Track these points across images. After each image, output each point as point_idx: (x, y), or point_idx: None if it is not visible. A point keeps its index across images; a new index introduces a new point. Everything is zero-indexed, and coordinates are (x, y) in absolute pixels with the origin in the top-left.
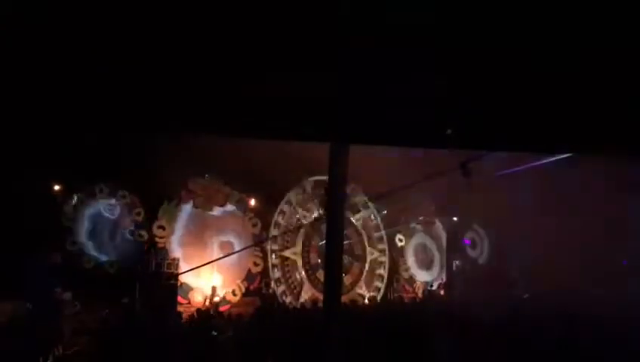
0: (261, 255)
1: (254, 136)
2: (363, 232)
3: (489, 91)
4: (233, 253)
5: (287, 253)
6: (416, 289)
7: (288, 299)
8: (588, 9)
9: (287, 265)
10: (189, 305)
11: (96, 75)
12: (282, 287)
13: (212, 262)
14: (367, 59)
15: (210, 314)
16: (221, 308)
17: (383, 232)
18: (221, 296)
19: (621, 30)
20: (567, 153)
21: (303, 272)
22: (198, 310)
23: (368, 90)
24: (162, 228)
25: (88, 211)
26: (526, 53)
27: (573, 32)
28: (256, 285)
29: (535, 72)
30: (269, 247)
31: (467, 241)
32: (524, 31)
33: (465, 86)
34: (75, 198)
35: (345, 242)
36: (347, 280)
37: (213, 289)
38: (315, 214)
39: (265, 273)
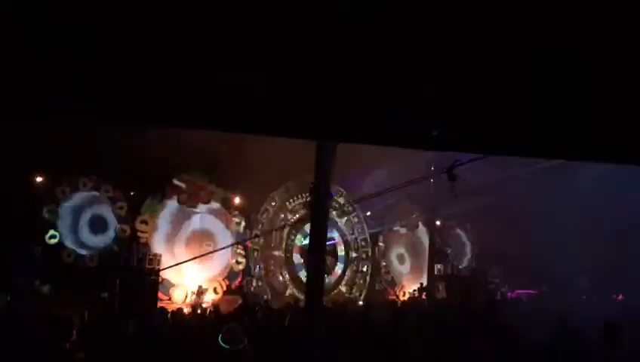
0: (244, 253)
1: (237, 131)
2: (346, 233)
3: (481, 91)
4: (216, 251)
5: (269, 252)
6: (398, 292)
7: (270, 298)
8: (588, 11)
9: (270, 263)
10: (169, 302)
11: (79, 65)
12: (264, 286)
13: (194, 259)
14: (357, 54)
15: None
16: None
17: (366, 234)
18: (205, 293)
19: (623, 34)
20: (559, 159)
21: (286, 271)
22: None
23: (357, 86)
24: (145, 223)
25: (70, 204)
26: (521, 55)
27: (570, 34)
28: (237, 283)
29: (530, 74)
30: (251, 246)
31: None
32: (519, 32)
33: (456, 85)
34: (58, 191)
35: (328, 243)
36: (329, 280)
37: (200, 287)
38: (299, 214)
39: (247, 271)
